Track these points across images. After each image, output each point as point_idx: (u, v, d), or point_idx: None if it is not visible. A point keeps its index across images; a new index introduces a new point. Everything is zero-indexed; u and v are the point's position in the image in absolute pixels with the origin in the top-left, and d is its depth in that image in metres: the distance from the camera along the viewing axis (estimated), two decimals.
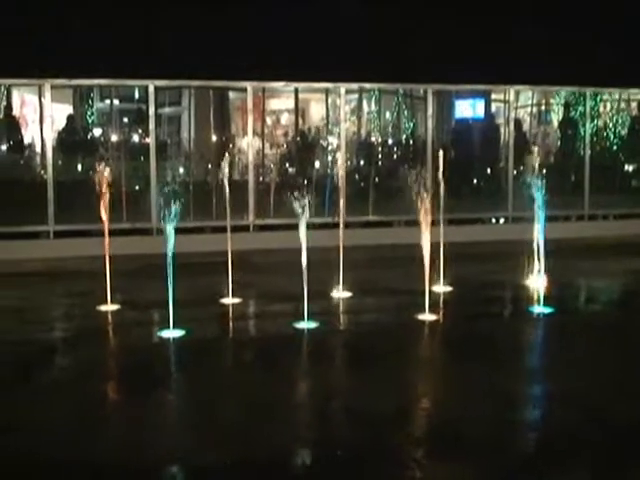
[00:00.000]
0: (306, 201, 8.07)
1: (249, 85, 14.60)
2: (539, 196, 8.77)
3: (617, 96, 18.16)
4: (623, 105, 18.42)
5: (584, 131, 16.10)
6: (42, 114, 15.16)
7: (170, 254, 7.73)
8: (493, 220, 15.39)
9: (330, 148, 16.72)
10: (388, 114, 19.44)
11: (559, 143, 17.82)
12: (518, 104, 17.78)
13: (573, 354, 7.23)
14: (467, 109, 19.09)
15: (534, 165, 10.39)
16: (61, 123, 15.65)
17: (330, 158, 16.18)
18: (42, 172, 14.07)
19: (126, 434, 5.44)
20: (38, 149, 16.18)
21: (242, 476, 4.73)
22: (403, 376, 6.62)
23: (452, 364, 7.14)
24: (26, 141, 16.80)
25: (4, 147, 16.40)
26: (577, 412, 5.65)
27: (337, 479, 4.67)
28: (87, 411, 5.78)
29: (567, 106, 17.58)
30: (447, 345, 7.97)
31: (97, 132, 17.61)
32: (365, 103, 19.53)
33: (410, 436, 5.34)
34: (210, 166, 15.68)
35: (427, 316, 8.43)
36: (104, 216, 9.23)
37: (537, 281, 9.28)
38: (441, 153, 10.37)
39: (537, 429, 5.58)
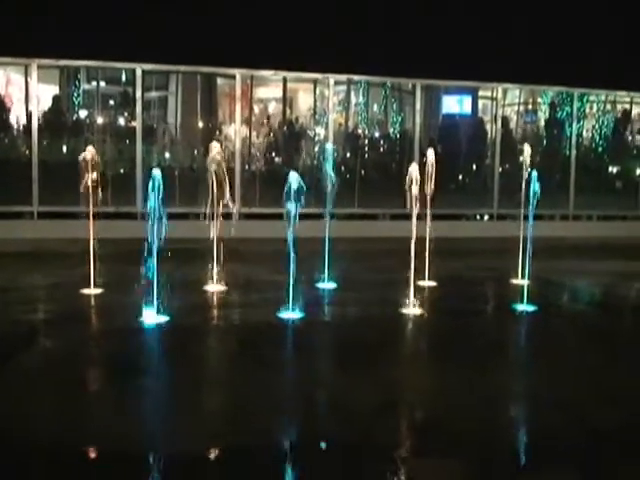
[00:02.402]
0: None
1: (238, 72, 14.55)
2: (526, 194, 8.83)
3: (604, 98, 18.25)
4: (609, 107, 18.51)
5: (570, 132, 16.18)
6: (28, 94, 15.00)
7: (154, 239, 7.68)
8: (477, 217, 15.46)
9: (317, 139, 16.68)
10: (376, 107, 19.39)
11: (545, 143, 17.89)
12: (505, 102, 17.82)
13: (552, 352, 7.25)
14: (455, 105, 19.09)
15: (523, 163, 10.36)
16: (47, 103, 15.50)
17: (317, 149, 16.16)
18: (26, 152, 13.94)
19: (101, 419, 5.39)
20: (23, 129, 16.01)
21: (220, 463, 4.73)
22: (384, 369, 6.59)
23: (432, 358, 7.17)
24: (10, 121, 16.60)
25: None
26: (551, 410, 5.66)
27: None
28: (65, 394, 5.71)
29: (554, 106, 17.64)
30: (429, 339, 7.97)
31: (83, 114, 17.44)
32: (353, 95, 19.47)
33: (391, 428, 5.35)
34: (196, 152, 15.63)
35: (411, 310, 8.44)
36: (89, 198, 9.14)
37: (521, 279, 9.34)
38: (430, 151, 10.26)
39: (514, 425, 5.60)
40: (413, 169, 8.65)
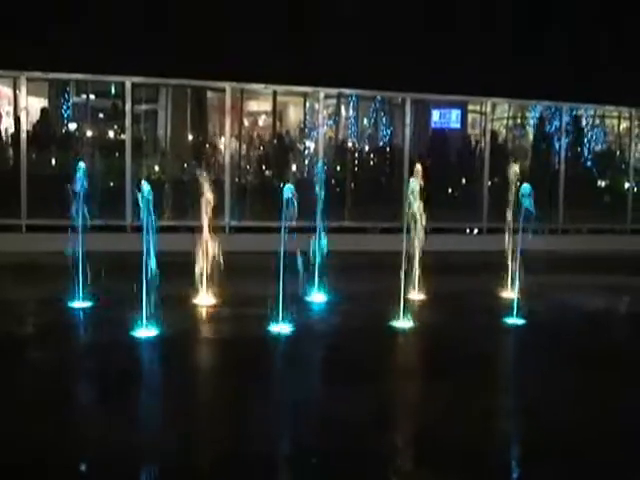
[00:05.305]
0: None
1: (228, 85, 14.55)
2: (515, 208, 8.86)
3: (592, 112, 18.35)
4: (598, 121, 18.61)
5: (559, 146, 16.25)
6: (16, 107, 14.96)
7: (144, 252, 7.66)
8: (467, 230, 15.47)
9: (307, 152, 16.70)
10: (366, 120, 19.43)
11: (533, 157, 17.97)
12: (494, 116, 17.87)
13: (540, 366, 7.25)
14: (444, 119, 19.14)
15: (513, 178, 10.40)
16: (36, 116, 15.48)
17: (307, 162, 16.17)
18: (15, 165, 13.88)
19: (90, 431, 5.36)
20: (11, 142, 15.95)
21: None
22: (372, 382, 6.58)
23: (421, 371, 7.21)
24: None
25: None
26: (534, 424, 5.66)
27: None
28: (54, 409, 5.68)
29: (543, 120, 17.72)
30: (418, 352, 7.99)
31: (72, 126, 17.40)
32: (343, 108, 19.50)
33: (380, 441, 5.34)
34: (186, 165, 15.61)
35: (400, 323, 8.43)
36: (78, 212, 9.10)
37: (510, 292, 9.35)
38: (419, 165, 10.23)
39: (499, 438, 5.60)
40: (412, 182, 8.77)
